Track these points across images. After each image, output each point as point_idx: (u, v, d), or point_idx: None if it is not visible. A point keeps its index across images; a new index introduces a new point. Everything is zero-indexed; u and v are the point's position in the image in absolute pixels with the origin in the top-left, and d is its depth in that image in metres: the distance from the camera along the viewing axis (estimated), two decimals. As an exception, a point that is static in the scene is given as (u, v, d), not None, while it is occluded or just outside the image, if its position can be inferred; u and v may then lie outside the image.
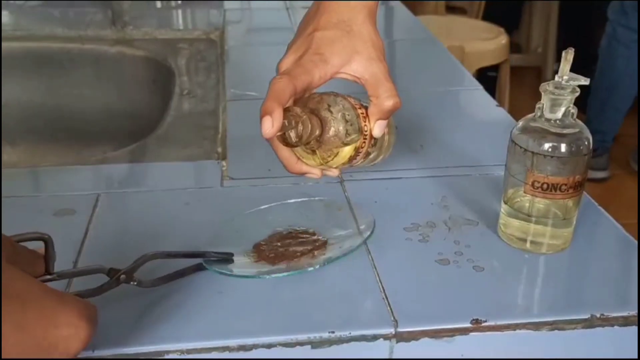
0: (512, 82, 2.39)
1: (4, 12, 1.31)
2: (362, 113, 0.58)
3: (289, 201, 0.68)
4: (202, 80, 1.04)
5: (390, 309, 0.53)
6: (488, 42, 2.17)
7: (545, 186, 0.56)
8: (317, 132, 0.56)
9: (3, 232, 0.41)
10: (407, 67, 1.09)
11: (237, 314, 0.52)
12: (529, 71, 3.26)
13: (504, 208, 0.61)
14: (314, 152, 0.58)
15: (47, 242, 0.44)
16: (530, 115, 0.58)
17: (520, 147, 0.57)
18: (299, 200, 0.68)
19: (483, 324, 0.51)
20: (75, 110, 1.16)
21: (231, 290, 0.55)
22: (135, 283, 0.52)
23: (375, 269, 0.57)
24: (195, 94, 0.99)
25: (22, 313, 0.33)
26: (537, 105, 0.57)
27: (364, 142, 0.58)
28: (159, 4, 1.40)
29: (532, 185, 0.57)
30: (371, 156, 0.61)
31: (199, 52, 1.15)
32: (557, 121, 0.56)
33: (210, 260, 0.57)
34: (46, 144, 1.16)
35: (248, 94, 0.94)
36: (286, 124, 0.53)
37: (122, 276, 0.51)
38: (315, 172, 0.60)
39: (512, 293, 0.55)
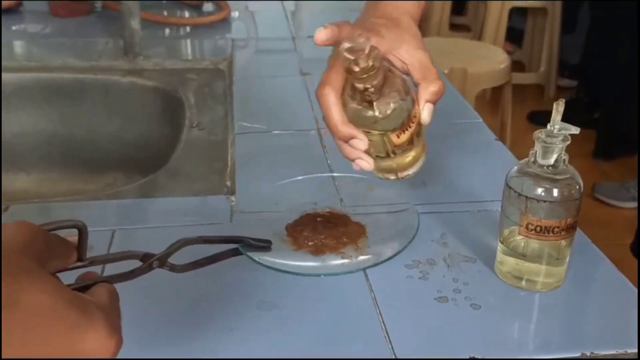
0: (515, 100, 2.42)
1: (18, 43, 1.35)
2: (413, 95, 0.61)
3: (313, 175, 0.69)
4: (211, 112, 1.07)
5: (391, 346, 0.56)
6: (490, 64, 2.20)
7: (538, 229, 0.59)
8: (380, 80, 0.57)
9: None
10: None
11: (247, 349, 0.55)
12: (532, 89, 3.29)
13: (500, 247, 0.64)
14: (370, 104, 0.58)
15: (82, 229, 0.43)
16: (524, 160, 0.61)
17: (515, 192, 0.60)
18: (324, 175, 0.69)
19: (479, 362, 0.54)
20: (87, 139, 1.19)
21: (242, 326, 0.58)
22: (168, 268, 0.51)
23: (377, 306, 0.60)
24: (204, 126, 1.02)
25: (47, 329, 0.33)
26: (531, 151, 0.60)
27: (412, 123, 0.60)
28: (167, 31, 1.44)
29: (526, 227, 0.60)
30: (410, 158, 0.63)
31: (208, 82, 1.19)
32: (550, 167, 0.59)
33: (246, 246, 0.56)
34: (58, 172, 1.20)
35: (255, 126, 0.98)
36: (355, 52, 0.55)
37: (155, 262, 0.50)
38: (362, 138, 0.60)
39: (507, 331, 0.58)
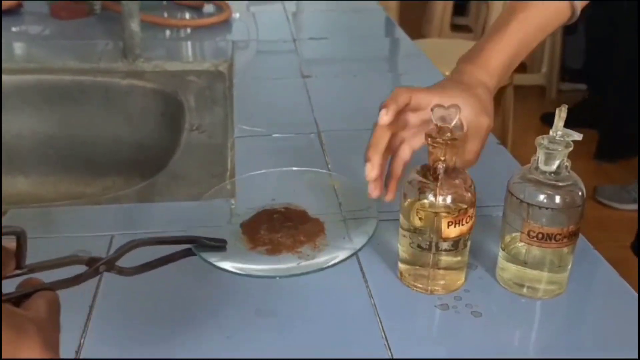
0: (516, 101, 2.41)
1: (18, 44, 1.35)
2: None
3: (272, 170, 0.67)
4: (211, 115, 1.06)
5: (391, 353, 0.55)
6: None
7: (540, 236, 0.59)
8: (453, 160, 0.59)
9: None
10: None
11: (244, 356, 0.55)
12: (533, 90, 3.28)
13: (501, 254, 0.63)
14: (435, 179, 0.59)
15: (20, 236, 0.41)
16: (526, 167, 0.60)
17: (517, 198, 0.59)
18: (283, 169, 0.67)
19: (480, 371, 0.54)
20: (87, 141, 1.19)
21: (239, 334, 0.57)
22: (116, 272, 0.48)
23: (378, 314, 0.60)
24: (204, 128, 1.02)
25: None
26: (533, 158, 0.59)
27: (465, 222, 0.60)
28: (167, 33, 1.43)
29: (528, 234, 0.59)
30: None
31: (208, 85, 1.18)
32: (552, 174, 0.58)
33: (201, 247, 0.54)
34: (57, 174, 1.19)
35: (256, 130, 0.97)
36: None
37: (102, 266, 0.47)
38: (374, 166, 0.62)
39: (508, 338, 0.58)
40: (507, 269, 0.63)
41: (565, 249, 0.60)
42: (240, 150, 0.91)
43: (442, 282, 0.62)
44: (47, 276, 0.43)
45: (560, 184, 0.58)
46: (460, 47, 2.44)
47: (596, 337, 0.58)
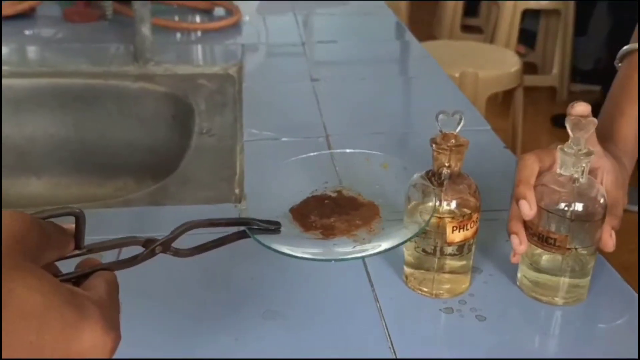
0: (527, 102, 2.41)
1: (32, 48, 1.37)
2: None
3: (323, 152, 0.65)
4: (221, 118, 1.08)
5: (396, 356, 0.56)
6: (501, 67, 2.20)
7: (539, 236, 0.60)
8: (458, 166, 0.60)
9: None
10: (420, 106, 1.13)
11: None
12: (544, 91, 3.28)
13: (521, 259, 0.64)
14: (440, 185, 0.60)
15: (79, 217, 0.42)
16: (551, 171, 0.61)
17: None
18: (335, 151, 0.66)
19: (483, 375, 0.54)
20: (98, 144, 1.20)
21: (246, 335, 0.58)
22: (172, 253, 0.49)
23: (383, 317, 0.61)
24: (214, 132, 1.03)
25: (40, 329, 0.32)
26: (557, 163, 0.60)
27: (469, 227, 0.60)
28: (178, 36, 1.45)
29: (527, 231, 0.61)
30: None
31: (218, 88, 1.19)
32: (572, 181, 0.59)
33: (254, 228, 0.53)
34: (70, 176, 1.21)
35: (265, 133, 0.98)
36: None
37: (158, 247, 0.47)
38: (532, 203, 0.59)
39: (512, 343, 0.58)
40: (528, 274, 0.63)
41: (586, 256, 0.61)
42: (249, 154, 0.92)
43: (446, 286, 0.63)
44: (104, 257, 0.44)
45: (577, 192, 0.58)
46: (470, 48, 2.45)
47: (600, 344, 0.59)
